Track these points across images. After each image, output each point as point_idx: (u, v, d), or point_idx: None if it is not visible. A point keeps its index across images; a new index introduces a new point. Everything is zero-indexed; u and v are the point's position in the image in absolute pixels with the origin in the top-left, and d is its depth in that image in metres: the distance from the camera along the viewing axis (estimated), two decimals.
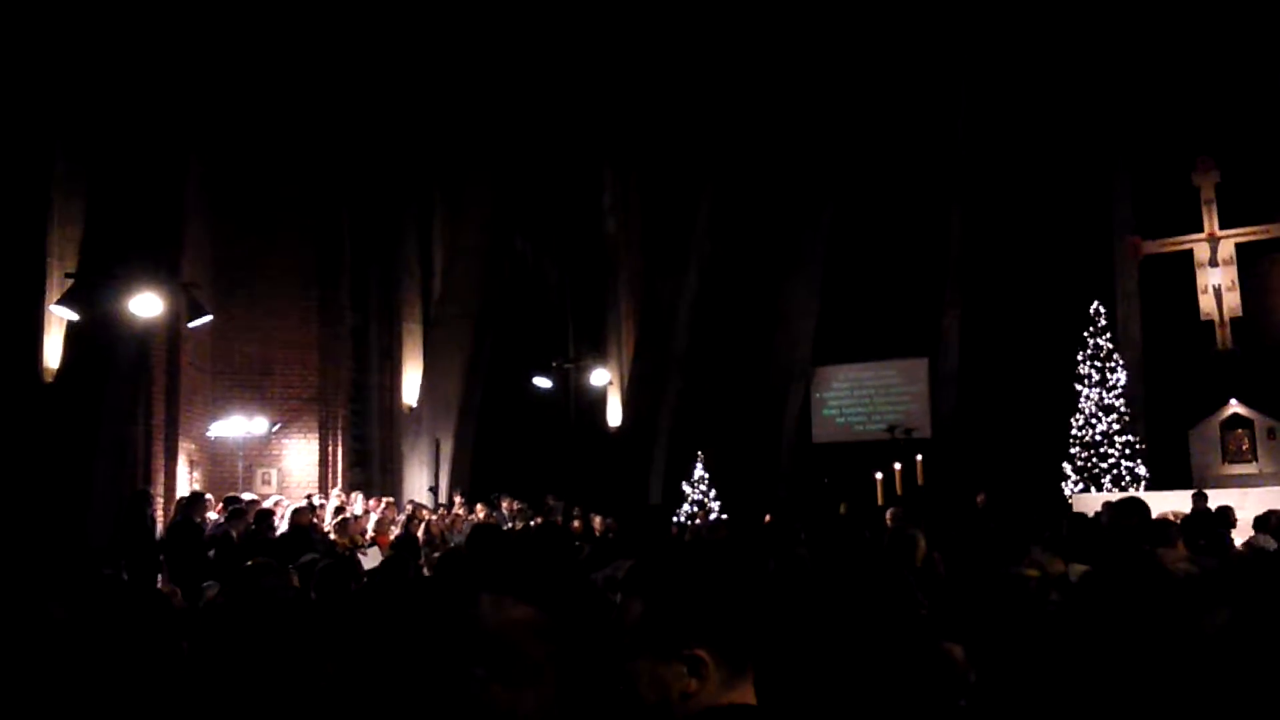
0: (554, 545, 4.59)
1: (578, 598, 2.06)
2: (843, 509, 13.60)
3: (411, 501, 15.34)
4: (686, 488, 20.94)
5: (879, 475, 19.51)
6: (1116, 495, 13.22)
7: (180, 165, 13.47)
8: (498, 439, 18.99)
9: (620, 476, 20.78)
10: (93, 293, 11.11)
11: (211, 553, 10.59)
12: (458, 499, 15.71)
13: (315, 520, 12.06)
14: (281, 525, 11.59)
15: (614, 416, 22.61)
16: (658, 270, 22.59)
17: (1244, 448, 19.06)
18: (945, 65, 22.56)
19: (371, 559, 10.63)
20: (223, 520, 11.34)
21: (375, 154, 16.98)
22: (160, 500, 13.29)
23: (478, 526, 5.40)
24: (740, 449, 22.61)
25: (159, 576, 11.10)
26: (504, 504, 15.60)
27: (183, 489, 13.62)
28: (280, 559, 6.71)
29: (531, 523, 14.66)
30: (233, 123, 15.27)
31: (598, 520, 16.08)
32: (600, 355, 22.21)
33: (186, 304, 12.87)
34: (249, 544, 10.40)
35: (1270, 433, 18.98)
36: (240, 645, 3.05)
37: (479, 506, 14.79)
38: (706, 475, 20.99)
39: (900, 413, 23.39)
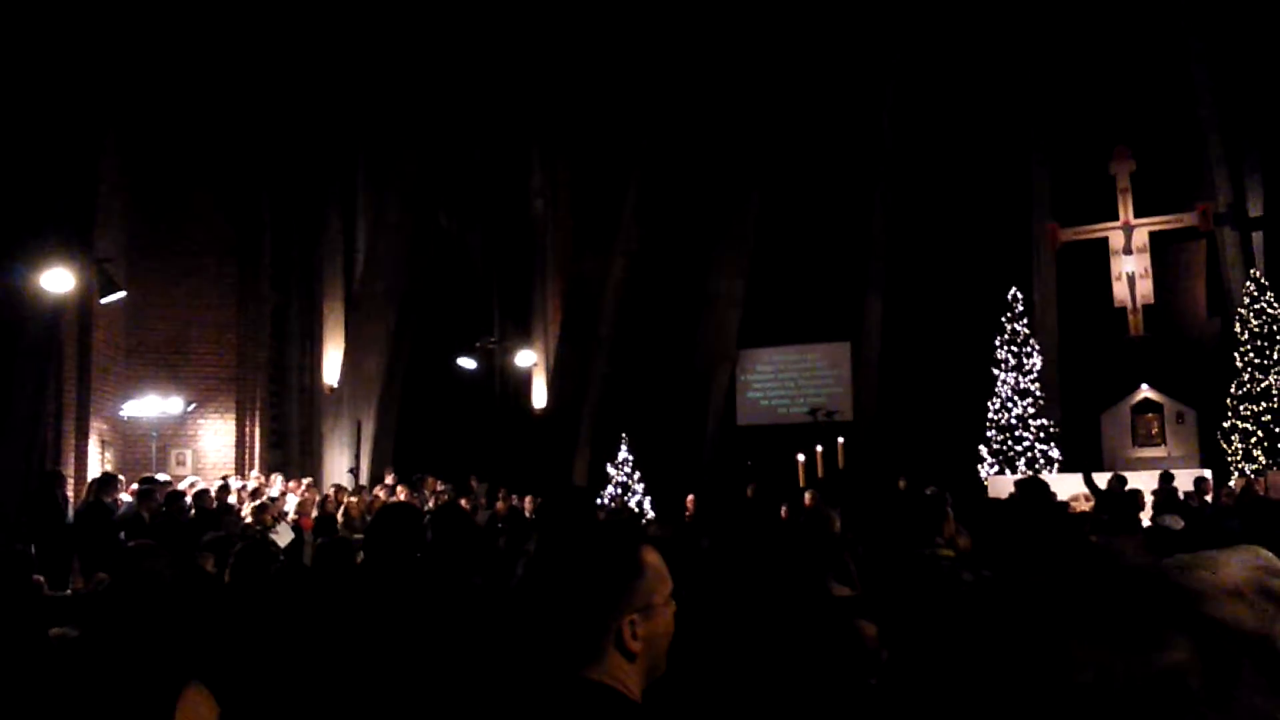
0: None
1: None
2: (750, 492, 13.64)
3: (335, 485, 15.13)
4: (611, 469, 20.93)
5: (801, 458, 19.66)
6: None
7: (95, 136, 13.09)
8: (421, 420, 18.80)
9: (545, 458, 20.72)
10: (0, 266, 10.79)
11: (123, 535, 10.37)
12: (389, 478, 15.45)
13: (231, 502, 11.87)
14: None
15: (539, 398, 22.54)
16: (584, 251, 22.53)
17: (1154, 432, 19.59)
18: (870, 53, 22.73)
19: (283, 537, 10.51)
20: (134, 502, 11.10)
21: (297, 128, 16.66)
22: (71, 481, 12.97)
23: (385, 506, 5.32)
24: (665, 431, 22.65)
25: (71, 559, 10.87)
26: (427, 485, 15.41)
27: (94, 470, 13.31)
28: (189, 540, 6.58)
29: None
30: (151, 93, 14.90)
31: (528, 501, 15.82)
32: (525, 336, 22.11)
33: (99, 279, 12.56)
34: (160, 526, 10.21)
35: (1179, 417, 19.52)
36: (119, 629, 2.99)
37: (399, 488, 14.59)
38: (631, 457, 21.01)
39: (823, 396, 23.59)
